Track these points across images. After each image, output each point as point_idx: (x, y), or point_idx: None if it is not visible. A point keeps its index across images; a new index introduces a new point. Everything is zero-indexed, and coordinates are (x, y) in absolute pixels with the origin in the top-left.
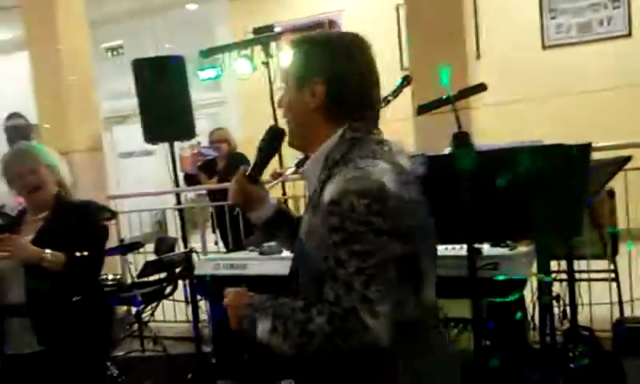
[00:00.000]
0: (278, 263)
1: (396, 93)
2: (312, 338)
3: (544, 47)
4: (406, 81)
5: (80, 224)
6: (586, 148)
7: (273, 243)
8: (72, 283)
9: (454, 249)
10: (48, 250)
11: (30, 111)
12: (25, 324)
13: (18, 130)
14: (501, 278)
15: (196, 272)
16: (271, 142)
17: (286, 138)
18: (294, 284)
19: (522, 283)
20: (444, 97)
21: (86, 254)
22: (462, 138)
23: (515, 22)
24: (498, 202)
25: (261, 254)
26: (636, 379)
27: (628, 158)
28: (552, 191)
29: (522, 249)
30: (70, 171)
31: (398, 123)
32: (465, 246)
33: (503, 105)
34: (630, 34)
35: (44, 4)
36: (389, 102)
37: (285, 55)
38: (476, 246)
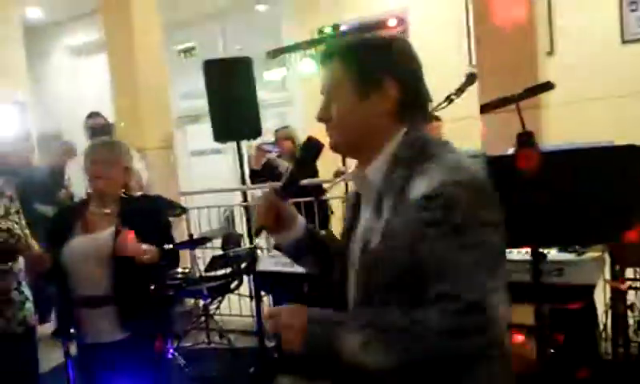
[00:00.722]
0: None
1: (460, 91)
2: (420, 342)
3: (623, 42)
4: (470, 79)
5: (150, 221)
6: None
7: None
8: (154, 274)
9: (518, 253)
10: (145, 245)
11: (106, 110)
12: (105, 313)
13: (100, 129)
14: (565, 283)
15: (258, 268)
16: (309, 156)
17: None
18: (346, 295)
19: (588, 290)
20: (509, 96)
21: (171, 246)
22: (525, 139)
23: (592, 15)
24: (564, 205)
25: None
26: None
27: None
28: (622, 195)
29: (591, 254)
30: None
31: (464, 121)
32: (529, 251)
33: (577, 103)
34: None
35: (121, 8)
36: (452, 100)
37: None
38: (541, 250)
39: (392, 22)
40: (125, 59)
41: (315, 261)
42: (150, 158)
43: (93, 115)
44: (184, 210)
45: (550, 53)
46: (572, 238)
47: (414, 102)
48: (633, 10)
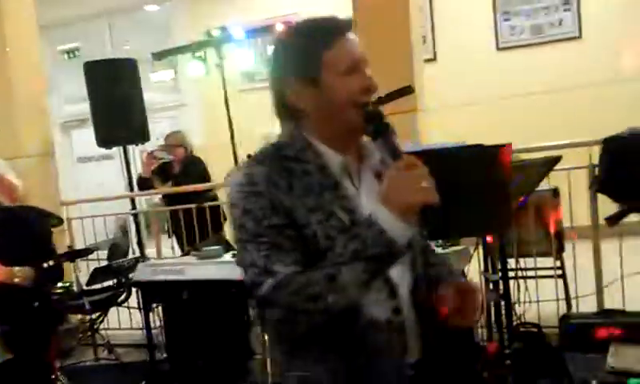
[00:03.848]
0: (216, 267)
1: None
2: None
3: (498, 48)
4: None
5: (21, 233)
6: (506, 148)
7: (215, 247)
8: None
9: None
10: (16, 268)
11: None
12: None
13: None
14: None
15: (134, 278)
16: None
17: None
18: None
19: None
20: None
21: (51, 263)
22: None
23: (470, 25)
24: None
25: (199, 258)
26: (581, 374)
27: (558, 158)
28: (473, 191)
29: (455, 248)
30: (19, 176)
31: None
32: None
33: (455, 107)
34: (580, 36)
35: None
36: None
37: (239, 56)
38: None
39: (279, 27)
40: None
41: None
42: (27, 165)
43: None
44: (60, 221)
45: (433, 59)
46: (434, 233)
47: None
48: (506, 20)
